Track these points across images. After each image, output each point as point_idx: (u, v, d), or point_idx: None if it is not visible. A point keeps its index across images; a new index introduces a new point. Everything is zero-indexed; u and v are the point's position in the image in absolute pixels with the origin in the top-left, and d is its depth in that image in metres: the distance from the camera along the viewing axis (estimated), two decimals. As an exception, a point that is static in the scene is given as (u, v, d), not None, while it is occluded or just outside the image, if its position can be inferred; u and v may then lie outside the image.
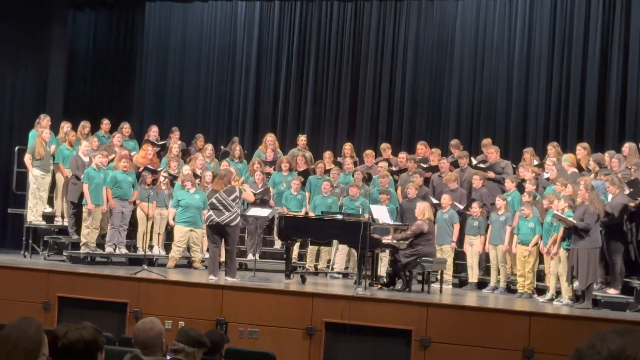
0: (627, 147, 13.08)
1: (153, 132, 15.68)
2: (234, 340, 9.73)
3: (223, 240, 12.38)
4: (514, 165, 14.36)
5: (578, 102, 16.16)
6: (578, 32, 16.23)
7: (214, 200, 12.18)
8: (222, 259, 12.83)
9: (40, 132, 14.29)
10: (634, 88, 15.68)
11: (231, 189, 12.23)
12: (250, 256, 14.38)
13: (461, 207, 13.63)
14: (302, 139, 16.16)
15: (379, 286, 12.44)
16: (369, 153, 15.53)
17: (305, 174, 15.13)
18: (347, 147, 15.81)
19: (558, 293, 11.81)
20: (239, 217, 12.39)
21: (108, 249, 13.86)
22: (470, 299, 12.37)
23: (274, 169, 15.36)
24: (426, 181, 14.55)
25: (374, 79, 17.83)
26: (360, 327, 10.75)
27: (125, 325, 11.32)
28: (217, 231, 12.24)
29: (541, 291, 12.36)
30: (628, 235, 11.80)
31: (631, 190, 11.64)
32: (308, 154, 15.86)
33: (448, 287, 13.20)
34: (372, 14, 17.98)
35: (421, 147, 15.48)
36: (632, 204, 11.57)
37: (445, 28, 17.50)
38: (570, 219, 11.25)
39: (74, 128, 14.93)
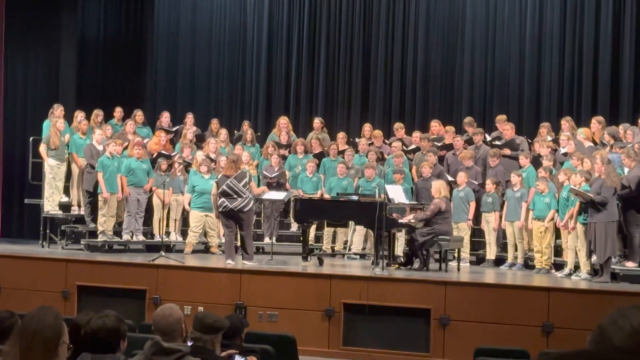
0: (643, 119, 13.03)
1: (165, 118, 15.72)
2: (253, 324, 9.76)
3: (238, 225, 12.41)
4: (529, 141, 14.30)
5: (591, 75, 16.07)
6: (590, 4, 16.12)
7: (225, 187, 12.18)
8: (238, 243, 12.84)
9: (54, 122, 14.32)
10: (648, 59, 15.60)
11: (242, 175, 12.22)
12: (267, 239, 14.40)
13: (477, 184, 13.59)
14: (317, 122, 16.13)
15: (397, 266, 12.44)
16: (377, 134, 15.46)
17: (320, 156, 15.12)
18: (367, 127, 15.77)
19: (576, 268, 11.79)
20: (252, 202, 12.38)
21: (125, 237, 13.90)
22: (488, 276, 12.36)
23: (289, 152, 15.36)
24: (440, 159, 14.50)
25: (386, 58, 17.77)
26: (378, 308, 10.77)
27: (145, 312, 11.38)
28: (231, 217, 12.26)
29: (559, 266, 12.34)
30: (646, 208, 11.75)
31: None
32: (322, 136, 15.83)
33: (465, 264, 13.18)
34: (382, -8, 17.90)
35: (435, 125, 15.43)
36: (648, 176, 11.51)
37: (456, 4, 17.41)
38: (587, 193, 11.20)
39: (88, 117, 14.95)
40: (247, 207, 12.17)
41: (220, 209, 12.46)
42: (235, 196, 12.11)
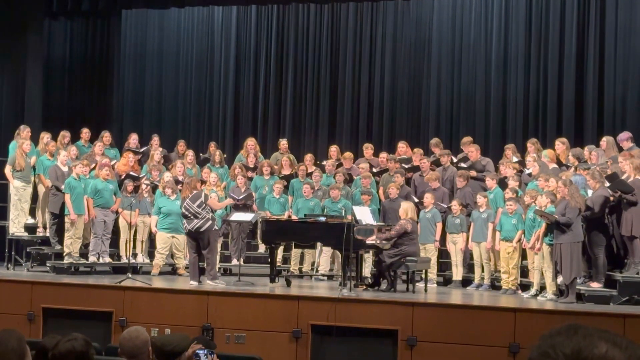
0: (605, 140, 13.17)
1: (133, 139, 15.69)
2: (220, 346, 9.71)
3: (200, 245, 12.46)
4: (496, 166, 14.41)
5: (556, 97, 16.26)
6: (554, 28, 16.33)
7: (183, 209, 12.43)
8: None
9: (21, 143, 14.24)
10: (611, 82, 15.81)
11: (196, 195, 12.36)
12: (234, 261, 14.38)
13: (445, 206, 13.67)
14: (283, 143, 16.16)
15: (364, 287, 12.45)
16: (347, 156, 15.51)
17: (289, 177, 15.14)
18: (333, 149, 15.85)
19: (542, 288, 11.87)
20: (210, 222, 12.42)
21: (92, 259, 13.81)
22: (455, 297, 12.40)
23: (256, 174, 15.36)
24: (408, 181, 14.58)
25: (353, 80, 17.89)
26: (346, 329, 10.76)
27: (111, 334, 11.28)
28: (192, 238, 12.42)
29: (525, 287, 12.41)
30: (609, 229, 11.87)
31: (610, 183, 11.70)
32: (292, 157, 15.86)
33: (433, 285, 13.23)
34: (349, 15, 18.03)
35: (402, 147, 15.54)
36: (612, 198, 11.64)
37: (422, 28, 17.58)
38: (552, 214, 11.30)
39: (54, 138, 14.88)
40: (204, 226, 12.28)
41: (184, 230, 12.59)
42: (192, 217, 12.24)
